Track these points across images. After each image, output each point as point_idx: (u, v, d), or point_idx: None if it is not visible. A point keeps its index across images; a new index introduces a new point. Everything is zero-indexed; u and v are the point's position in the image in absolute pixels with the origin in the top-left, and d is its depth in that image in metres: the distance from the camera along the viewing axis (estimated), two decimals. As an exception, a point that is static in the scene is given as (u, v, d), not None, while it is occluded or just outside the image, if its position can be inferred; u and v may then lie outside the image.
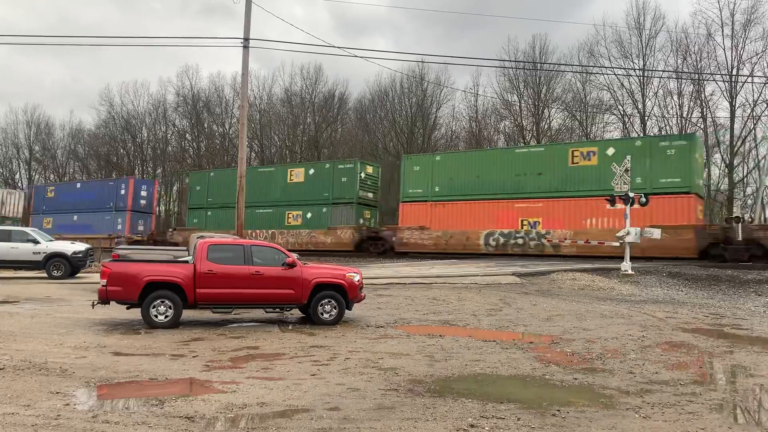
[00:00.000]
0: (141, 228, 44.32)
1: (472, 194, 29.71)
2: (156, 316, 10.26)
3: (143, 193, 45.52)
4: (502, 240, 27.96)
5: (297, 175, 36.51)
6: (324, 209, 34.61)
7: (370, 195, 35.23)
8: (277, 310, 11.30)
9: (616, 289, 17.53)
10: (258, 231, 35.84)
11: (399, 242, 30.67)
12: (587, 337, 9.79)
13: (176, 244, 38.43)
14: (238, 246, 11.11)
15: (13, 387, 6.28)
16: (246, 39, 21.79)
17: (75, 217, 46.27)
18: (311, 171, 36.10)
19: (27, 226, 48.95)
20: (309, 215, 35.15)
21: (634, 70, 44.93)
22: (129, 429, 5.00)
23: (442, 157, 32.45)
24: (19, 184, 69.08)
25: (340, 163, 35.78)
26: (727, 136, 41.82)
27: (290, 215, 35.91)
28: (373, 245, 31.95)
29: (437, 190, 30.81)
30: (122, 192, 44.32)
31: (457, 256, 28.40)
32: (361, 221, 33.83)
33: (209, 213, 39.66)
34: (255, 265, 10.73)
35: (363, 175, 34.36)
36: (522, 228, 27.97)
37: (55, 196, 49.41)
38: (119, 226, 43.47)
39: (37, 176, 73.37)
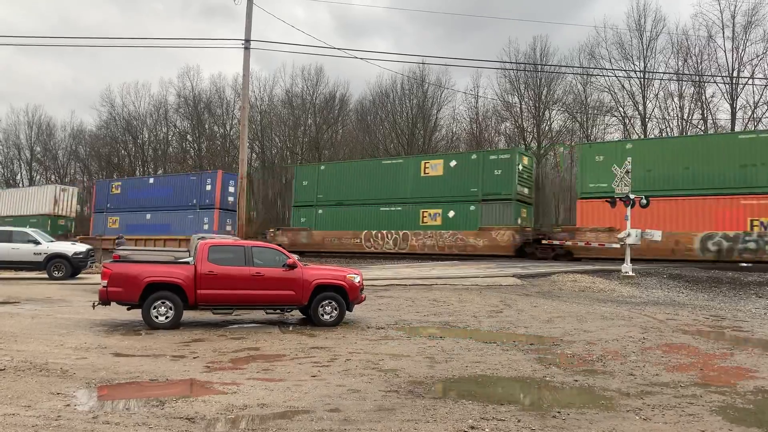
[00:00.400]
0: (229, 228, 38.86)
1: (679, 189, 24.61)
2: (157, 317, 10.27)
3: (230, 189, 39.47)
4: (725, 244, 23.14)
5: (433, 167, 31.60)
6: (471, 207, 29.79)
7: (526, 190, 30.55)
8: (278, 311, 11.31)
9: (617, 290, 17.53)
10: (384, 232, 31.96)
11: (580, 247, 26.03)
12: (588, 339, 9.79)
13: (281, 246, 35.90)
14: (238, 247, 11.12)
15: (14, 388, 6.28)
16: (247, 40, 21.81)
17: (148, 216, 41.30)
18: (453, 162, 31.15)
19: (89, 225, 46.28)
20: (451, 214, 30.40)
21: (635, 71, 44.94)
22: (129, 430, 5.00)
23: (634, 145, 27.26)
24: (20, 185, 69.07)
25: (492, 153, 31.11)
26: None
27: (426, 214, 31.20)
28: (541, 249, 27.56)
29: None
30: (208, 187, 38.92)
31: (662, 262, 24.05)
32: (519, 221, 29.13)
33: (320, 211, 35.15)
34: (255, 266, 10.73)
35: (520, 167, 29.62)
36: (753, 230, 22.94)
37: (122, 192, 44.22)
38: (206, 226, 38.28)
39: (38, 177, 73.45)
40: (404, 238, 31.36)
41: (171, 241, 37.38)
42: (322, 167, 37.11)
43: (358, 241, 32.77)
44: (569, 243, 26.32)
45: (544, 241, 27.46)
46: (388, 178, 33.02)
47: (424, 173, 31.89)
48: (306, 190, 36.02)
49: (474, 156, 31.28)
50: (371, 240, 32.29)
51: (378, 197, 32.78)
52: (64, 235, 42.80)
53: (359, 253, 32.47)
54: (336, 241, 33.47)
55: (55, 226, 45.83)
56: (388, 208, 32.50)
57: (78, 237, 41.72)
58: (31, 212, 46.83)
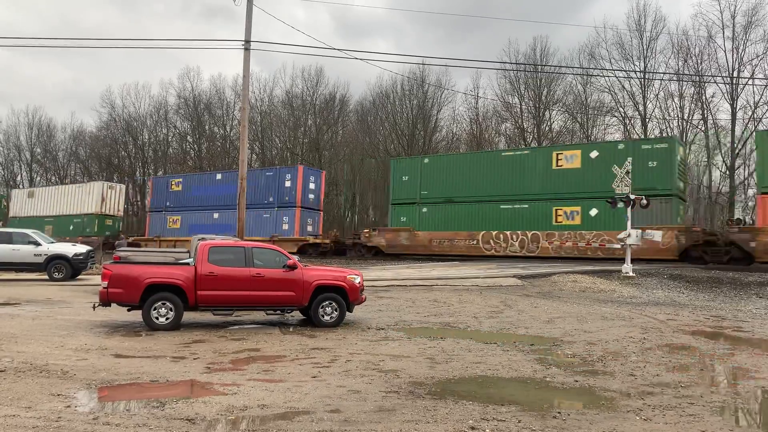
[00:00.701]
0: (310, 228, 36.06)
1: None
2: (157, 318, 10.28)
3: (311, 186, 36.60)
4: None
5: (569, 159, 27.87)
6: (620, 203, 24.47)
7: (682, 185, 26.99)
8: (278, 312, 11.31)
9: (617, 291, 17.53)
10: (508, 233, 28.31)
11: (765, 249, 22.26)
12: (588, 339, 9.78)
13: (376, 248, 32.37)
14: (239, 248, 11.12)
15: (15, 389, 6.28)
16: (247, 41, 21.80)
17: (216, 215, 38.03)
18: (593, 153, 27.54)
19: (147, 224, 42.68)
20: (594, 212, 26.71)
21: (635, 72, 44.99)
22: (130, 431, 5.00)
23: None
24: (21, 186, 69.08)
25: (645, 143, 27.65)
26: (728, 139, 41.78)
27: (560, 212, 27.54)
28: (711, 253, 23.85)
29: None
30: (288, 184, 35.59)
31: None
32: (678, 219, 25.73)
33: (424, 209, 31.52)
34: (256, 267, 10.73)
35: (678, 158, 26.21)
36: None
37: (184, 189, 40.52)
38: (285, 226, 34.95)
39: (38, 178, 73.54)
40: (534, 240, 27.76)
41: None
42: (426, 160, 33.20)
43: (475, 242, 29.56)
44: (752, 245, 22.57)
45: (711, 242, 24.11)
46: (510, 171, 29.35)
47: (557, 166, 28.06)
48: (406, 186, 32.25)
49: (621, 146, 27.74)
50: (491, 242, 28.92)
51: (497, 193, 29.15)
52: (115, 237, 40.30)
53: (477, 256, 29.36)
54: (446, 242, 30.32)
55: (103, 226, 43.46)
56: (510, 206, 28.86)
57: (132, 239, 39.48)
58: (75, 211, 44.15)
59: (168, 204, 41.31)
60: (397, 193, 33.11)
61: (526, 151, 31.48)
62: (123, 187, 48.25)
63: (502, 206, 29.02)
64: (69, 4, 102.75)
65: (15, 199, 50.83)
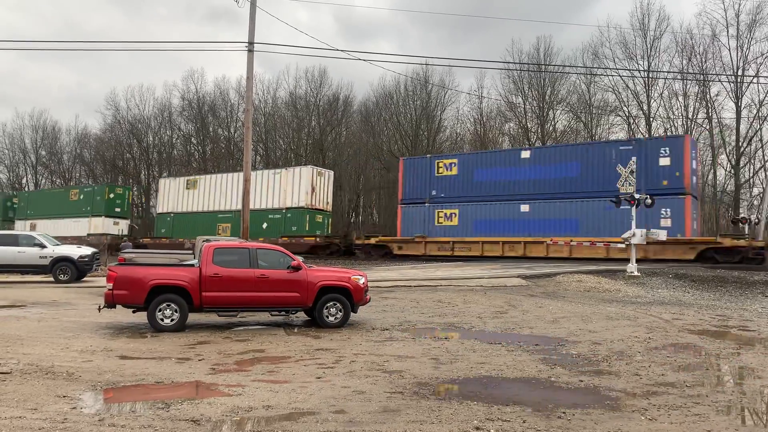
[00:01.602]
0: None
1: None
2: (162, 320, 10.30)
3: (693, 165, 26.76)
4: None
5: None
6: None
7: None
8: (283, 313, 11.33)
9: (622, 290, 17.48)
10: None
11: None
12: (593, 339, 9.76)
13: None
14: (243, 249, 11.13)
15: (21, 391, 6.31)
16: (251, 43, 21.84)
17: (524, 208, 28.88)
18: None
19: (399, 219, 32.69)
20: None
21: (639, 71, 44.84)
22: (135, 432, 5.02)
23: None
24: (26, 188, 69.30)
25: None
26: (733, 137, 41.61)
27: None
28: None
29: None
30: (664, 161, 25.67)
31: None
32: None
33: None
34: (260, 268, 10.74)
35: None
36: None
37: (461, 173, 30.81)
38: (666, 222, 25.12)
39: (43, 180, 73.76)
40: None
41: (594, 244, 25.56)
42: None
43: None
44: None
45: None
46: None
47: None
48: None
49: None
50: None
51: None
52: (342, 236, 32.71)
53: None
54: None
55: (313, 224, 34.44)
56: None
57: (377, 240, 31.73)
58: (269, 205, 35.39)
59: (434, 193, 31.65)
60: None
61: None
62: (331, 173, 37.62)
63: None
64: (73, 7, 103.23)
65: (165, 190, 41.17)
